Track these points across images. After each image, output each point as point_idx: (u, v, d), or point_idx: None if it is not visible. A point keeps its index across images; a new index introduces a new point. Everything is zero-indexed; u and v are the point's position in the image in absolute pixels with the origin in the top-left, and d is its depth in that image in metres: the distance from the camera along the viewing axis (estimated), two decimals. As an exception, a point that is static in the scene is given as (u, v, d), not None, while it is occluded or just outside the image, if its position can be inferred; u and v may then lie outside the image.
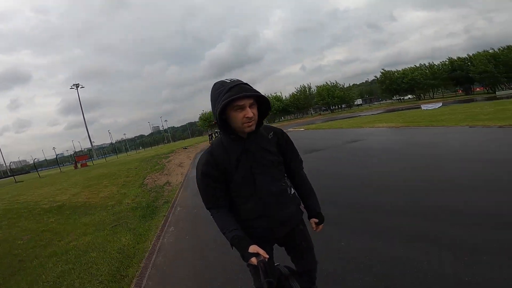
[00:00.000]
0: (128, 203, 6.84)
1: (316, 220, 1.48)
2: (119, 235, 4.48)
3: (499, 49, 37.93)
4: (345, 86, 54.98)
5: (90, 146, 75.04)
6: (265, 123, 1.42)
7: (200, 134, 79.83)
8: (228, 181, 1.32)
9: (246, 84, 1.24)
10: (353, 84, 67.67)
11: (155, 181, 9.61)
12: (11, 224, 6.09)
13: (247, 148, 1.31)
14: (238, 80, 1.25)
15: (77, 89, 64.65)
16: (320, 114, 55.94)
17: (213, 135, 28.21)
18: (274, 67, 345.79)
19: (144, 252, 3.74)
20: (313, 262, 1.59)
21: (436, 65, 46.77)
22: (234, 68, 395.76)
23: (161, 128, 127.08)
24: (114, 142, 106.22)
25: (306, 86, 58.21)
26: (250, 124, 1.24)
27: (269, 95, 58.70)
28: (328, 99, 52.70)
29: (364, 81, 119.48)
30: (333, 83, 54.72)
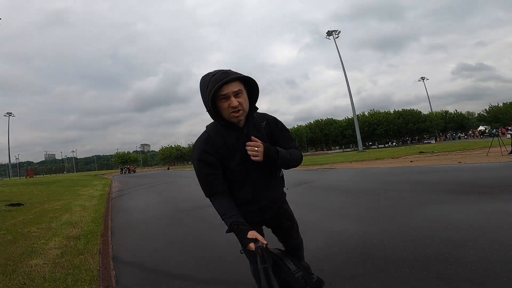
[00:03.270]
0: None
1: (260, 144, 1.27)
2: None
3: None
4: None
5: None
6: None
7: (110, 168, 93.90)
8: (224, 168, 1.32)
9: (229, 70, 1.21)
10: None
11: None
12: None
13: (242, 136, 1.31)
14: (220, 70, 1.22)
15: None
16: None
17: (123, 169, 50.19)
18: (202, 109, 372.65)
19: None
20: (298, 239, 1.65)
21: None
22: (160, 105, 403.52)
23: (59, 157, 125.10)
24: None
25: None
26: (237, 114, 1.22)
27: (171, 145, 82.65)
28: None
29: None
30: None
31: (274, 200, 1.47)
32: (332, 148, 68.18)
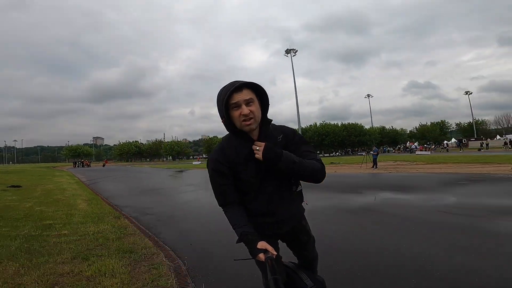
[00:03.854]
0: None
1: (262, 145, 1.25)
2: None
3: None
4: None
5: None
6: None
7: (55, 160, 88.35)
8: (236, 179, 1.33)
9: (240, 81, 1.22)
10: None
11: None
12: None
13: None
14: (235, 81, 1.23)
15: None
16: (164, 160, 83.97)
17: (77, 163, 49.84)
18: (165, 106, 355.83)
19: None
20: (313, 253, 1.62)
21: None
22: (119, 98, 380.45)
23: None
24: None
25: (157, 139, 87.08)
26: (248, 123, 1.22)
27: (129, 141, 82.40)
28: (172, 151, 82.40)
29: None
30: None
31: (291, 215, 1.42)
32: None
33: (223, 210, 1.36)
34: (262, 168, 1.29)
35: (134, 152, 77.73)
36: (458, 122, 72.55)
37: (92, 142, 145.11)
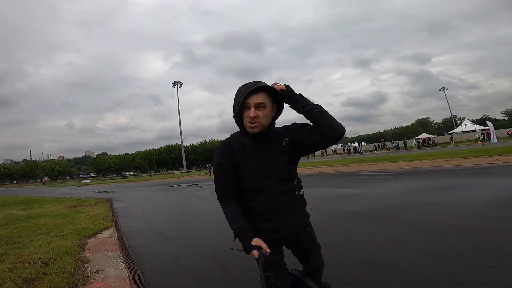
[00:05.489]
0: None
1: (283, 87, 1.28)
2: None
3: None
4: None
5: None
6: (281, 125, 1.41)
7: None
8: (239, 176, 1.34)
9: (260, 83, 1.25)
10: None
11: None
12: None
13: (260, 148, 1.31)
14: (255, 81, 1.27)
15: None
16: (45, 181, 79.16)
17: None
18: (30, 117, 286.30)
19: None
20: (320, 261, 1.58)
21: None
22: None
23: None
24: None
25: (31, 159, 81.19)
26: (253, 125, 1.25)
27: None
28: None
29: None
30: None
31: (290, 221, 1.36)
32: (179, 168, 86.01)
33: (220, 205, 1.37)
34: (266, 164, 1.30)
35: (3, 174, 69.51)
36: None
37: None
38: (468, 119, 51.63)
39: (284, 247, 1.44)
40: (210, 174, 36.35)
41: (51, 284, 2.70)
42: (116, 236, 5.07)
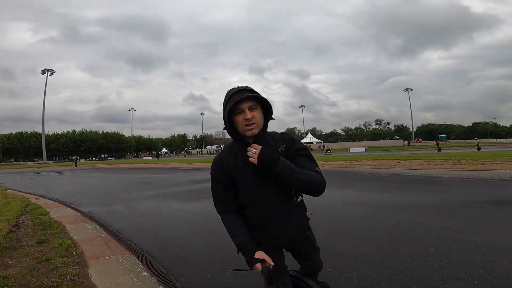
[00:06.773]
0: None
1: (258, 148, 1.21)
2: None
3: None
4: None
5: None
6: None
7: None
8: (236, 186, 1.33)
9: (248, 87, 1.26)
10: None
11: None
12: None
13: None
14: (243, 86, 1.27)
15: None
16: None
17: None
18: None
19: None
20: (319, 263, 1.60)
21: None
22: None
23: None
24: None
25: None
26: (251, 127, 1.23)
27: None
28: None
29: None
30: None
31: (289, 229, 1.36)
32: (35, 159, 71.17)
33: (220, 218, 1.37)
34: (260, 174, 1.26)
35: None
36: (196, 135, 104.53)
37: None
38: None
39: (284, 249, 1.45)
40: (76, 166, 35.21)
41: None
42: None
